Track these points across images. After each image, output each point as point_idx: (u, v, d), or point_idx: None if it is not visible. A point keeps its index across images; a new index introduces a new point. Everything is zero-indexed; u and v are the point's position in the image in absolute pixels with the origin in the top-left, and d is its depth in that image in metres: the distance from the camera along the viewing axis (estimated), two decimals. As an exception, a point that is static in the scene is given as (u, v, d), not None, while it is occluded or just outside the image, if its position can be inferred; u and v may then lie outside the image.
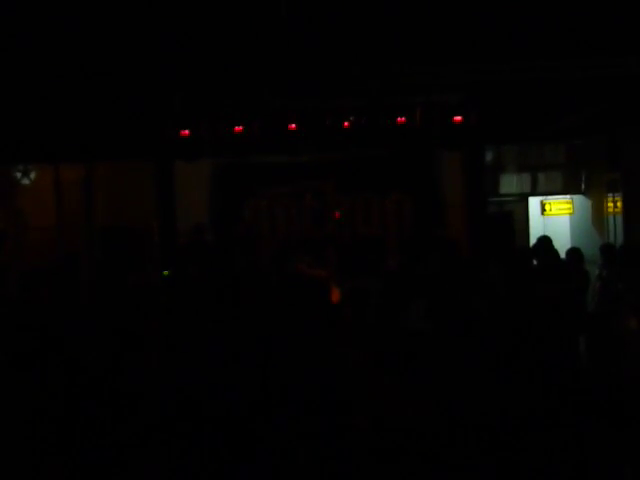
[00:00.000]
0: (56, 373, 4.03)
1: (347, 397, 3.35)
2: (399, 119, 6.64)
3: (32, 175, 9.11)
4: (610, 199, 8.96)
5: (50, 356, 4.08)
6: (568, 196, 9.90)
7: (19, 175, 9.06)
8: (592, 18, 5.90)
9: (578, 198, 9.84)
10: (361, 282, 5.67)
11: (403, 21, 5.44)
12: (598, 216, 9.32)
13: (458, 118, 6.74)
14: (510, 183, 9.65)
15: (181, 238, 8.21)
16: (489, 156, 9.38)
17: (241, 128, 6.76)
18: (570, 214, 9.96)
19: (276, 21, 5.31)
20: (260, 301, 5.23)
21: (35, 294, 5.49)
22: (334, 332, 4.24)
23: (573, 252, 6.38)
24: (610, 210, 8.98)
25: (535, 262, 6.80)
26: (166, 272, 7.08)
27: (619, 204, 8.68)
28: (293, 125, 6.77)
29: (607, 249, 6.58)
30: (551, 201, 9.96)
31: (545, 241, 6.61)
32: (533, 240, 9.29)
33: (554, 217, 10.03)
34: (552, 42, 6.14)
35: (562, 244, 7.42)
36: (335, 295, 5.61)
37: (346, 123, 6.75)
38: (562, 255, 6.51)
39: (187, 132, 6.84)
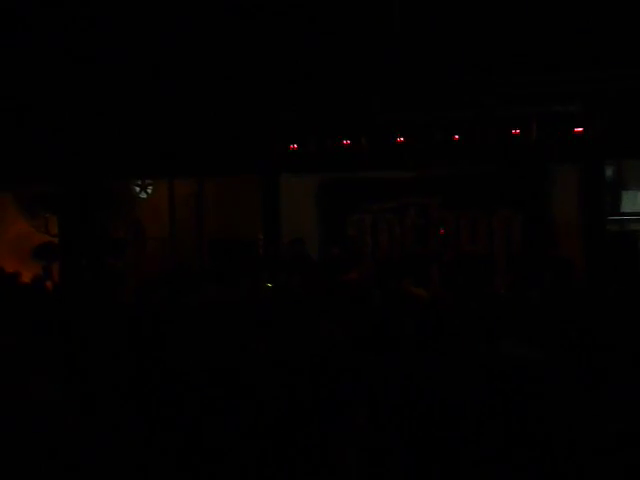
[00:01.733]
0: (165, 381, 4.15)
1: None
2: (513, 132, 6.36)
3: (149, 189, 9.67)
4: None
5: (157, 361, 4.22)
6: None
7: (138, 189, 9.64)
8: None
9: None
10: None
11: (516, 27, 5.22)
12: None
13: (579, 130, 6.35)
14: (633, 201, 8.98)
15: (282, 252, 8.35)
16: (609, 171, 8.79)
17: (349, 142, 6.76)
18: (702, 235, 9.09)
19: (387, 34, 5.27)
20: (359, 317, 5.16)
21: (150, 301, 5.75)
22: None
23: None
24: None
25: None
26: (270, 284, 7.20)
27: None
28: (401, 139, 6.67)
29: None
30: (679, 221, 9.15)
31: None
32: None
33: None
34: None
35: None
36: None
37: (456, 137, 6.56)
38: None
39: (295, 146, 6.94)
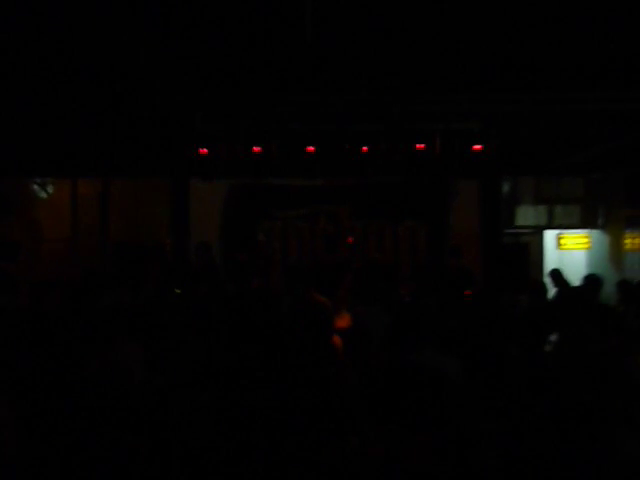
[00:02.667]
0: (58, 385, 3.98)
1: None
2: (418, 146, 6.62)
3: (50, 189, 9.20)
4: (628, 235, 8.84)
5: (51, 367, 4.04)
6: (585, 230, 9.79)
7: (37, 188, 9.15)
8: (614, 51, 5.89)
9: (595, 233, 9.73)
10: (369, 312, 5.59)
11: (425, 48, 5.45)
12: (615, 252, 9.20)
13: (477, 147, 6.71)
14: (526, 215, 9.58)
15: (190, 256, 8.21)
16: (506, 187, 9.34)
17: (259, 149, 6.76)
18: (587, 249, 9.85)
19: (299, 44, 5.34)
20: (269, 324, 5.17)
21: (45, 305, 5.48)
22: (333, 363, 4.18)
23: (590, 280, 6.20)
24: (628, 246, 8.86)
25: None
26: (178, 290, 7.05)
27: (637, 240, 8.56)
28: (311, 148, 6.77)
29: (624, 285, 6.48)
30: (567, 235, 9.86)
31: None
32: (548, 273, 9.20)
33: (570, 251, 9.92)
34: (573, 74, 6.13)
35: (578, 279, 7.32)
36: (344, 322, 5.54)
37: (365, 148, 6.73)
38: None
39: (205, 151, 6.86)
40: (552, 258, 9.68)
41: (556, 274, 7.31)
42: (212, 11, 5.11)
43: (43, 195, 9.18)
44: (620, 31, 5.67)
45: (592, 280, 6.40)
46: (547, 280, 7.42)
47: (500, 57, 5.89)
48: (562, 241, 9.88)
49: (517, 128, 6.81)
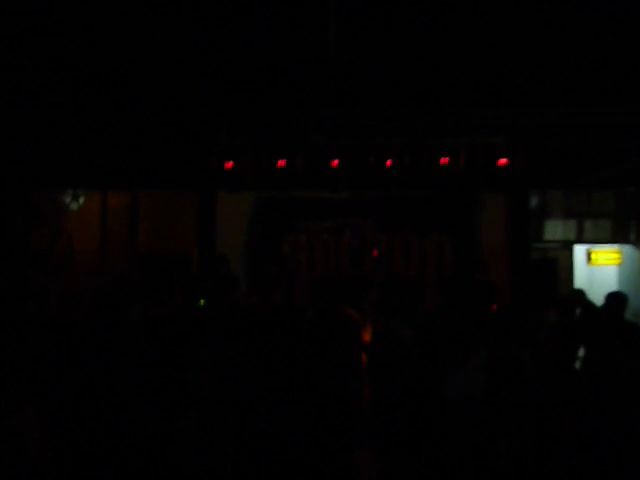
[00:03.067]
0: (83, 394, 4.04)
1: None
2: (442, 160, 6.59)
3: (81, 200, 9.41)
4: (660, 250, 8.64)
5: (77, 376, 4.11)
6: (616, 245, 9.59)
7: (68, 199, 9.37)
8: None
9: (627, 248, 9.52)
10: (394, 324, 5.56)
11: (449, 61, 5.45)
12: (648, 268, 9.00)
13: (503, 161, 6.66)
14: (555, 229, 9.43)
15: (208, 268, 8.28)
16: (534, 201, 9.22)
17: (284, 162, 6.82)
18: (618, 264, 9.64)
19: (323, 58, 5.39)
20: (293, 336, 5.18)
21: (74, 315, 5.58)
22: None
23: (614, 297, 6.00)
24: (660, 262, 8.66)
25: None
26: (202, 301, 7.11)
27: (670, 256, 8.35)
28: (336, 161, 6.80)
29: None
30: (598, 250, 9.67)
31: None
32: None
33: (601, 267, 9.72)
34: (603, 86, 6.05)
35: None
36: (369, 336, 5.52)
37: (388, 162, 6.73)
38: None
39: (231, 164, 6.94)
40: (582, 274, 9.49)
41: (578, 295, 7.16)
42: (238, 25, 5.20)
43: (74, 206, 9.39)
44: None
45: (616, 298, 6.23)
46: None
47: (527, 70, 5.85)
48: (592, 256, 9.69)
49: (544, 142, 6.73)
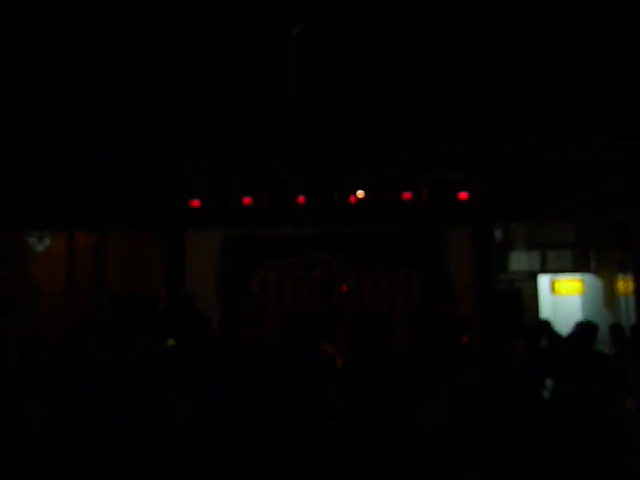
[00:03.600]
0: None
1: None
2: (405, 195, 6.74)
3: (46, 241, 9.30)
4: (621, 279, 8.86)
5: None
6: (578, 275, 9.82)
7: (34, 241, 9.26)
8: (603, 98, 6.01)
9: (589, 277, 9.75)
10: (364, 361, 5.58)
11: (407, 100, 5.61)
12: (609, 296, 9.20)
13: (464, 195, 6.83)
14: (519, 260, 9.63)
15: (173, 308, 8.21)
16: (498, 233, 9.42)
17: (250, 200, 6.89)
18: (580, 293, 9.85)
19: (284, 98, 5.51)
20: (263, 373, 5.16)
21: (37, 360, 5.46)
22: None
23: (584, 327, 6.04)
24: (622, 290, 8.86)
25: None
26: (171, 342, 7.02)
27: (630, 284, 8.57)
28: (302, 198, 6.89)
29: (616, 329, 6.47)
30: (561, 280, 9.88)
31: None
32: (543, 318, 9.17)
33: (565, 296, 9.91)
34: (560, 120, 6.25)
35: (573, 323, 7.30)
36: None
37: (352, 198, 6.86)
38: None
39: (197, 202, 6.98)
40: (547, 303, 9.67)
41: (545, 325, 7.29)
42: (201, 63, 5.29)
43: (40, 248, 9.28)
44: (607, 78, 5.81)
45: (585, 328, 6.33)
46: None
47: (481, 106, 6.03)
48: (556, 286, 9.89)
49: (502, 175, 6.92)
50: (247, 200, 6.85)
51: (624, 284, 8.74)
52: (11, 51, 4.85)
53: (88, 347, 6.32)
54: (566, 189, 7.89)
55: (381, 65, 5.52)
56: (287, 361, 5.63)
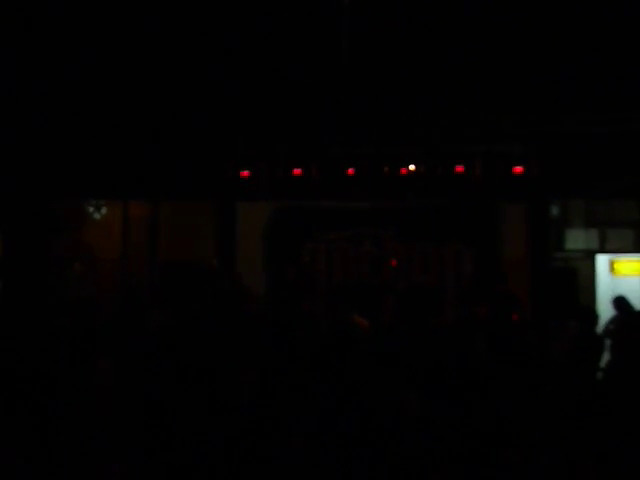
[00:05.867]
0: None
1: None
2: (457, 168, 6.56)
3: (103, 210, 9.58)
4: (686, 260, 8.45)
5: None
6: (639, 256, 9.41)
7: (91, 210, 9.55)
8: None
9: (651, 258, 9.33)
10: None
11: (464, 69, 5.44)
12: (672, 278, 8.79)
13: (518, 169, 6.60)
14: (576, 239, 9.28)
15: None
16: (554, 210, 9.09)
17: (299, 171, 6.86)
18: (641, 274, 9.44)
19: (338, 68, 5.44)
20: (303, 345, 5.23)
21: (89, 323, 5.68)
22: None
23: None
24: (686, 272, 8.46)
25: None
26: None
27: (695, 266, 8.16)
28: (351, 170, 6.82)
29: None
30: (621, 260, 9.48)
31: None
32: (600, 299, 8.87)
33: (624, 277, 9.52)
34: (621, 94, 5.98)
35: (635, 306, 7.04)
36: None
37: (403, 170, 6.73)
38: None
39: (247, 173, 7.01)
40: (605, 284, 9.31)
41: (621, 301, 7.04)
42: (254, 36, 5.27)
43: (97, 216, 9.57)
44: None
45: None
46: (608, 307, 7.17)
47: (544, 77, 5.81)
48: (615, 266, 9.50)
49: (562, 149, 6.66)
50: (297, 171, 6.83)
51: (689, 265, 8.32)
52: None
53: (138, 313, 6.53)
54: (628, 164, 7.54)
55: (436, 34, 5.36)
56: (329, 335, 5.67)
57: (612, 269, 9.51)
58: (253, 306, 7.19)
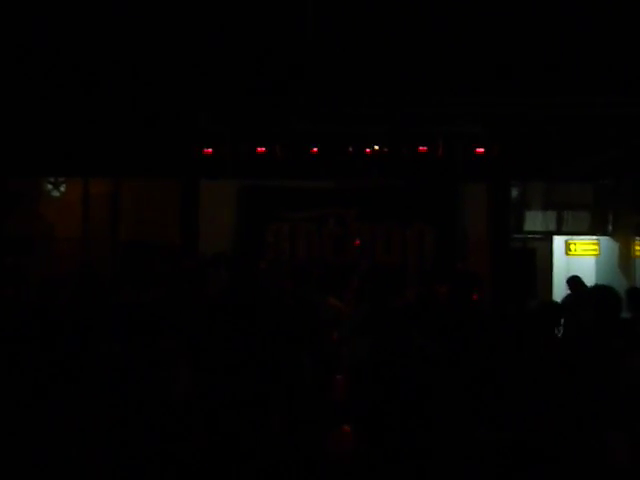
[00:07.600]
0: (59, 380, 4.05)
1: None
2: (420, 148, 6.63)
3: (62, 187, 9.36)
4: (638, 242, 8.75)
5: (54, 362, 4.11)
6: (594, 237, 9.70)
7: (50, 187, 9.32)
8: (626, 54, 5.83)
9: (604, 239, 9.64)
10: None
11: (428, 50, 5.47)
12: (625, 259, 9.10)
13: (480, 150, 6.71)
14: (535, 220, 9.52)
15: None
16: (515, 192, 9.29)
17: (263, 149, 6.83)
18: (596, 255, 9.75)
19: (302, 46, 5.40)
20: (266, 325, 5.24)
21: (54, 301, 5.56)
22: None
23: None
24: (638, 253, 8.76)
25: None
26: None
27: (646, 247, 8.47)
28: (315, 149, 6.82)
29: (633, 293, 6.39)
30: (576, 241, 9.77)
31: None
32: (556, 279, 9.13)
33: (579, 258, 9.83)
34: (581, 77, 6.09)
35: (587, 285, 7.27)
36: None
37: (368, 150, 6.77)
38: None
39: (210, 150, 6.94)
40: (561, 264, 9.60)
41: (575, 281, 7.23)
42: (216, 12, 5.19)
43: (56, 194, 9.35)
44: (627, 32, 5.63)
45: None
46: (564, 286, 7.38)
47: (506, 59, 5.88)
48: (571, 247, 9.80)
49: (522, 132, 6.78)
50: (260, 149, 6.80)
51: (640, 247, 8.64)
52: None
53: (104, 292, 6.43)
54: (586, 149, 7.73)
55: (401, 13, 5.36)
56: (295, 313, 5.70)
57: (568, 250, 9.80)
58: (217, 287, 7.16)
